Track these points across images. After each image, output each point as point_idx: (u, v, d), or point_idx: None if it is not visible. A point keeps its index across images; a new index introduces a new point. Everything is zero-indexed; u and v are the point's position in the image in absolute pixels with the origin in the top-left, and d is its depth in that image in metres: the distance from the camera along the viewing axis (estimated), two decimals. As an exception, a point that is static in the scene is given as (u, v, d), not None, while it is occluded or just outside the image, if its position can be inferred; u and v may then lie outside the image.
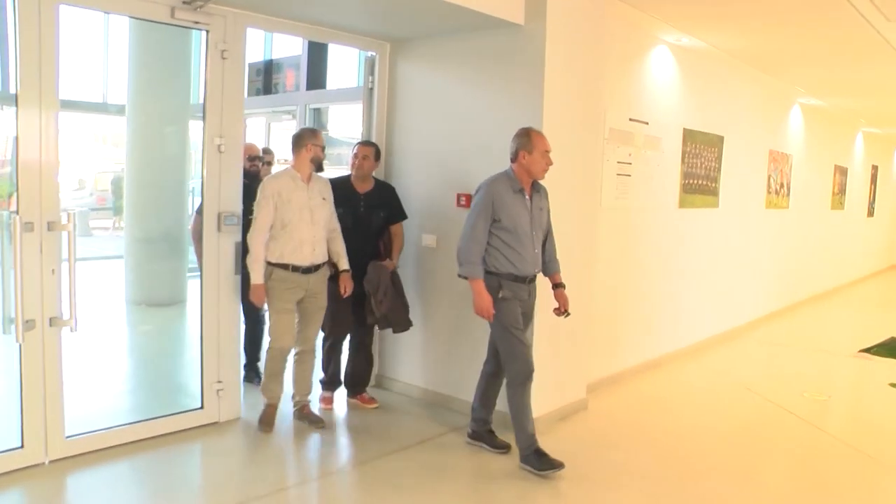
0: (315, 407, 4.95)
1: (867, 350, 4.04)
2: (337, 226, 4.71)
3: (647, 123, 5.96)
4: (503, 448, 4.38)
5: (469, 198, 4.86)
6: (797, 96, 9.46)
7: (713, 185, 7.36)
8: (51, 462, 3.84)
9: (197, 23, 4.27)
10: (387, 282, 4.80)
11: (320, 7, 4.48)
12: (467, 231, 4.13)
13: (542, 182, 4.28)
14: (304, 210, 4.47)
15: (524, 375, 4.14)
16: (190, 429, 4.49)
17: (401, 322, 4.93)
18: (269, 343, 4.64)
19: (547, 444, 4.21)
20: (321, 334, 4.99)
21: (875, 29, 5.53)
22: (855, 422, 5.61)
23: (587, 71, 4.97)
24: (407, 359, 5.42)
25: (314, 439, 4.53)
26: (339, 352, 5.16)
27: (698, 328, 7.36)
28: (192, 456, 4.27)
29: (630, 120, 5.71)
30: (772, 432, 5.12)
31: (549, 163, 4.15)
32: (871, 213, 14.60)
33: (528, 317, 4.29)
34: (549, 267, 4.36)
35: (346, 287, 4.72)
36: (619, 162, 5.61)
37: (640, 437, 4.82)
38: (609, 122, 5.41)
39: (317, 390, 5.04)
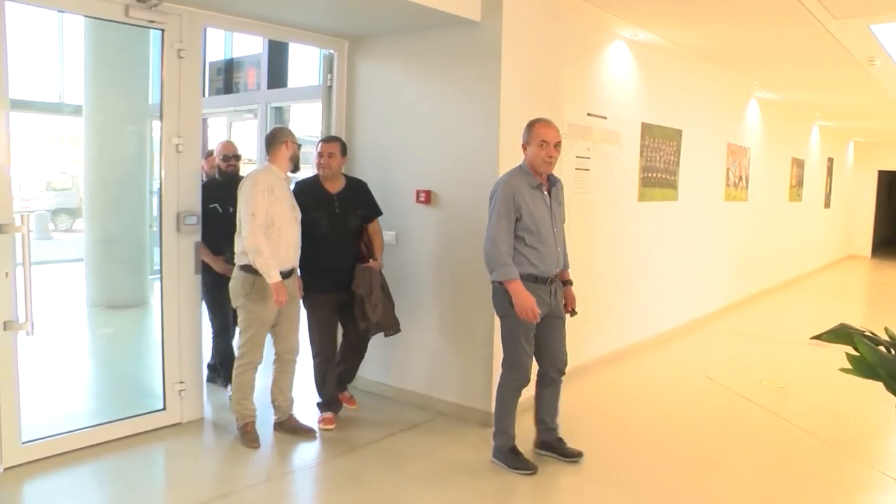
0: (311, 426, 4.64)
1: (818, 337, 4.15)
2: None
3: (605, 118, 6.04)
4: (575, 456, 4.24)
5: (428, 194, 4.92)
6: (754, 90, 9.63)
7: (672, 178, 7.46)
8: (6, 469, 3.79)
9: (152, 22, 4.24)
10: (377, 285, 4.59)
11: (278, 5, 4.47)
12: (492, 233, 3.89)
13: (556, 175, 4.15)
14: (291, 210, 4.31)
15: (519, 383, 4.07)
16: (152, 430, 4.47)
17: (392, 324, 4.74)
18: (241, 356, 4.32)
19: (523, 435, 4.26)
20: (309, 350, 4.75)
21: (823, 26, 5.65)
22: (811, 408, 5.74)
23: (544, 67, 5.02)
24: (369, 356, 5.43)
25: (278, 437, 4.53)
26: (334, 368, 4.78)
27: (660, 319, 7.46)
28: (154, 457, 4.25)
29: (588, 115, 5.78)
30: (732, 420, 5.23)
31: (550, 154, 3.91)
32: (827, 204, 14.90)
33: (555, 318, 4.10)
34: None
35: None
36: (577, 157, 5.66)
37: (608, 428, 4.90)
38: (567, 118, 5.46)
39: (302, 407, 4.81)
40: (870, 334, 3.98)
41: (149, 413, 4.54)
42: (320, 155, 4.61)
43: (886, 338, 3.96)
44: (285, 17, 4.80)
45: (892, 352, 3.85)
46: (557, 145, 3.94)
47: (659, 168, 7.14)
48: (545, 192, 4.00)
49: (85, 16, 4.63)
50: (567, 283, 4.22)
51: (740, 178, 9.55)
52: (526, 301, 3.84)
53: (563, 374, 4.22)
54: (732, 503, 3.84)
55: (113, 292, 7.72)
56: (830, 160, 14.83)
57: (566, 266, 4.19)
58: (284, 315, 4.39)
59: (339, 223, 4.59)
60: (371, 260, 4.67)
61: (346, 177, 4.75)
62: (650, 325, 7.27)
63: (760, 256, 10.68)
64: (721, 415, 5.35)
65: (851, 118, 12.73)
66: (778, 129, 11.06)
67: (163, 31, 4.32)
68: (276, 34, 5.15)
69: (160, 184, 4.51)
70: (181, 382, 4.60)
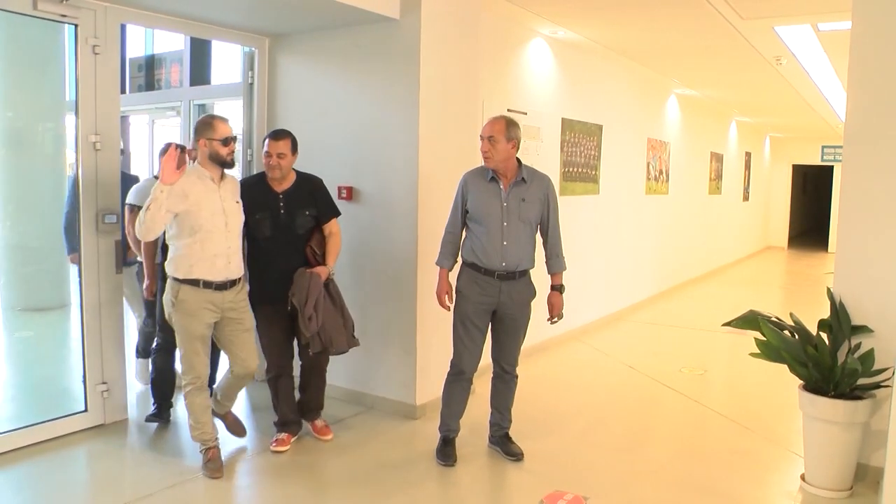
0: (265, 449, 4.35)
1: (728, 323, 4.36)
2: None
3: (525, 114, 6.17)
4: (514, 455, 4.24)
5: (350, 190, 4.98)
6: (673, 87, 9.94)
7: (593, 172, 7.66)
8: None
9: (64, 16, 4.16)
10: (318, 292, 4.07)
11: (197, 2, 4.44)
12: (446, 223, 4.18)
13: (543, 172, 4.18)
14: (219, 215, 3.85)
15: (455, 370, 4.14)
16: (74, 433, 4.39)
17: (339, 341, 4.19)
18: (183, 375, 3.95)
19: (435, 427, 4.33)
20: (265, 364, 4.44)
21: (732, 26, 5.90)
22: (727, 392, 6.00)
23: (463, 63, 5.11)
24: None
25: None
26: (290, 386, 4.43)
27: (582, 312, 7.65)
28: (74, 460, 4.17)
29: (508, 110, 5.89)
30: (651, 406, 5.43)
31: (484, 148, 3.97)
32: (746, 197, 15.45)
33: (507, 318, 4.08)
34: (548, 265, 4.21)
35: None
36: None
37: (527, 416, 5.01)
38: (487, 113, 5.55)
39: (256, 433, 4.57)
40: (776, 320, 4.21)
41: (70, 415, 4.46)
42: (268, 155, 4.12)
43: (791, 323, 4.20)
44: (205, 15, 4.77)
45: (796, 336, 4.09)
46: (491, 139, 3.93)
47: (580, 163, 7.32)
48: (501, 187, 4.00)
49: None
50: (556, 288, 4.20)
51: (661, 172, 9.85)
52: (438, 288, 4.16)
53: (509, 373, 4.23)
54: (647, 485, 4.00)
55: (31, 294, 7.50)
56: (748, 154, 15.38)
57: (556, 268, 4.19)
58: (231, 331, 3.98)
59: (285, 225, 4.15)
60: (319, 266, 4.18)
61: (298, 173, 4.29)
62: (572, 318, 7.41)
63: (682, 249, 11.02)
64: (640, 401, 5.54)
65: (766, 114, 13.25)
66: (697, 124, 11.43)
67: (76, 26, 4.25)
68: (196, 31, 5.10)
69: (78, 182, 4.43)
70: (104, 383, 4.53)
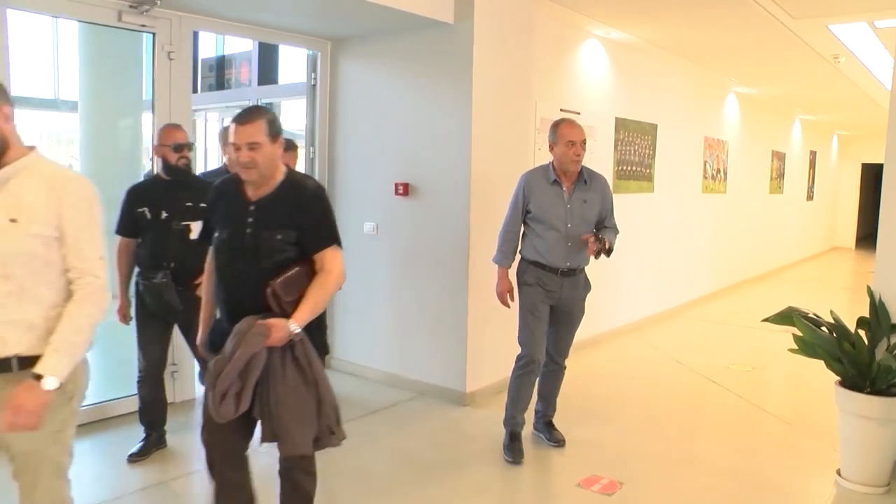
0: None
1: (767, 319, 4.46)
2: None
3: (578, 113, 6.31)
4: (557, 442, 4.42)
5: (406, 186, 5.22)
6: (732, 86, 9.90)
7: (647, 171, 7.75)
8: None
9: (143, 26, 4.52)
10: (248, 357, 2.59)
11: (263, 9, 4.74)
12: (503, 221, 4.28)
13: (599, 173, 4.34)
14: None
15: (525, 363, 4.20)
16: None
17: (298, 435, 2.68)
18: None
19: (491, 415, 4.53)
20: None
21: (784, 25, 5.94)
22: (771, 389, 6.06)
23: (516, 65, 5.30)
24: (353, 339, 5.74)
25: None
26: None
27: (635, 308, 7.75)
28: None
29: (561, 110, 6.05)
30: (695, 400, 5.53)
31: (577, 153, 4.09)
32: (810, 196, 15.19)
33: (563, 313, 4.24)
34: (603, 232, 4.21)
35: None
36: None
37: (573, 406, 5.19)
38: (540, 113, 5.75)
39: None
40: (813, 316, 4.30)
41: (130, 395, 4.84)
42: (236, 148, 2.68)
43: (831, 320, 4.28)
44: (270, 20, 5.07)
45: (834, 333, 4.17)
46: (583, 143, 4.13)
47: (634, 161, 7.42)
48: (564, 189, 4.13)
49: (80, 21, 4.90)
50: (600, 240, 4.09)
51: (718, 170, 9.84)
52: (500, 287, 4.26)
53: (559, 364, 4.39)
54: (682, 473, 4.14)
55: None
56: (813, 153, 15.11)
57: (607, 235, 4.15)
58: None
59: (247, 250, 2.73)
60: (277, 318, 2.62)
61: (288, 175, 2.84)
62: (625, 314, 7.56)
63: (740, 248, 10.96)
64: (684, 395, 5.65)
65: (831, 112, 13.01)
66: (757, 123, 11.33)
67: (154, 34, 4.60)
68: (263, 36, 5.43)
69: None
70: (174, 364, 4.89)
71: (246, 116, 2.71)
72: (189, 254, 3.78)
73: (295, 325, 2.63)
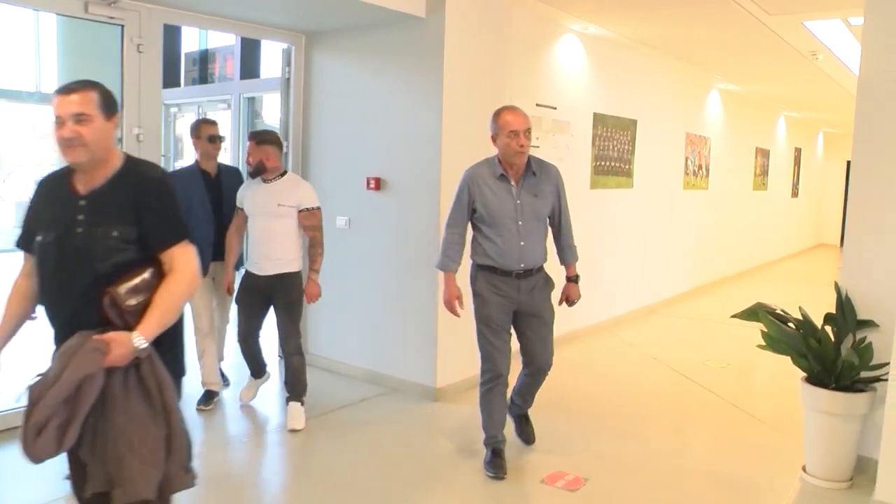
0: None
1: (736, 315, 4.47)
2: None
3: (555, 108, 6.32)
4: (526, 439, 4.32)
5: (378, 181, 5.21)
6: (714, 82, 9.91)
7: (627, 166, 7.75)
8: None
9: (112, 18, 4.49)
10: (91, 389, 2.15)
11: (234, 2, 4.72)
12: (446, 222, 3.92)
13: (549, 162, 3.96)
14: None
15: (488, 377, 3.88)
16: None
17: (138, 475, 2.19)
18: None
19: (461, 411, 4.53)
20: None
21: (761, 21, 5.94)
22: (745, 385, 6.07)
23: (489, 59, 5.29)
24: (326, 334, 5.73)
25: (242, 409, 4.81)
26: None
27: (613, 304, 7.75)
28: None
29: (537, 105, 6.05)
30: (668, 397, 5.53)
31: (521, 143, 3.67)
32: (795, 193, 15.23)
33: (529, 317, 3.91)
34: (561, 256, 4.06)
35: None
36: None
37: (542, 400, 5.18)
38: (515, 109, 5.73)
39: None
40: (781, 312, 4.32)
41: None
42: (59, 123, 2.25)
43: (799, 316, 4.29)
44: (243, 13, 5.04)
45: (801, 330, 4.18)
46: (527, 132, 3.70)
47: (612, 157, 7.42)
48: (512, 184, 3.77)
49: (45, 11, 4.87)
50: (572, 279, 4.07)
51: (700, 167, 9.85)
52: (446, 293, 3.90)
53: (544, 373, 4.08)
54: (649, 469, 4.14)
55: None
56: (798, 150, 15.15)
57: (569, 259, 4.06)
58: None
59: (78, 251, 2.29)
60: (117, 332, 2.19)
61: (128, 161, 2.40)
62: (604, 310, 7.56)
63: (723, 244, 10.98)
64: (658, 391, 5.65)
65: (815, 109, 13.04)
66: (741, 120, 11.35)
67: (122, 26, 4.57)
68: (235, 29, 5.40)
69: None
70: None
71: (72, 85, 2.28)
72: None
73: (141, 339, 2.17)
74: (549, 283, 3.98)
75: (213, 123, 4.97)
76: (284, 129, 5.75)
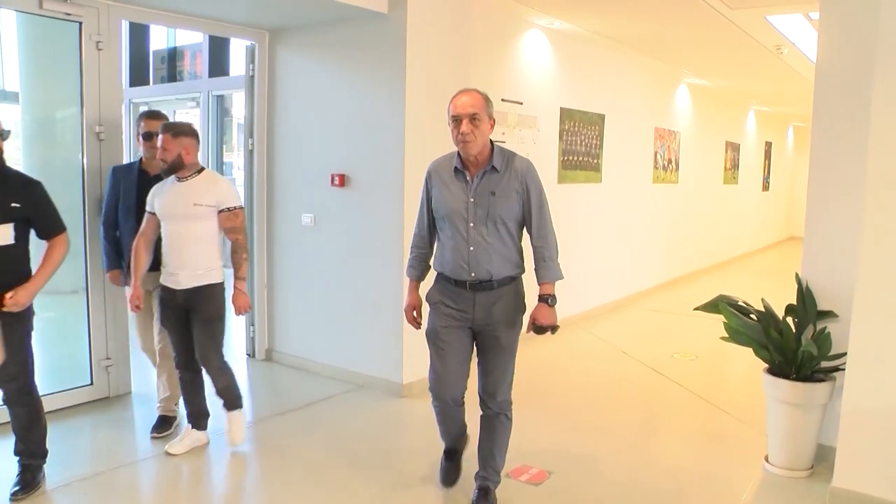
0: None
1: (698, 308, 4.50)
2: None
3: (521, 103, 6.32)
4: None
5: (342, 177, 5.19)
6: (683, 77, 9.98)
7: (595, 161, 7.78)
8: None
9: (68, 14, 4.43)
10: None
11: (192, -2, 4.69)
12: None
13: (523, 157, 3.38)
14: None
15: (432, 397, 3.44)
16: (82, 403, 4.75)
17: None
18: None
19: (427, 407, 4.44)
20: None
21: (723, 16, 5.98)
22: (712, 377, 6.11)
23: (452, 55, 5.28)
24: (294, 332, 5.71)
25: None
26: None
27: (583, 298, 7.79)
28: (78, 428, 4.46)
29: (502, 100, 6.06)
30: (635, 390, 5.56)
31: (462, 131, 3.11)
32: (766, 187, 15.38)
33: (483, 338, 3.33)
34: (536, 273, 3.36)
35: None
36: (491, 140, 5.92)
37: (514, 399, 5.19)
38: (480, 105, 5.73)
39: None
40: (743, 304, 4.35)
41: (77, 388, 4.78)
42: None
43: (762, 308, 4.33)
44: (204, 11, 4.99)
45: (761, 322, 4.22)
46: (473, 118, 3.12)
47: (580, 151, 7.45)
48: (468, 179, 3.23)
49: None
50: (543, 298, 3.32)
51: (669, 161, 9.92)
52: (405, 303, 3.53)
53: (493, 410, 3.41)
54: (613, 462, 4.17)
55: (54, 278, 7.89)
56: (768, 144, 15.30)
57: (546, 277, 3.34)
58: None
59: None
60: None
61: None
62: (573, 304, 7.58)
63: (694, 238, 11.07)
64: (625, 385, 5.68)
65: (784, 104, 13.17)
66: (710, 114, 11.44)
67: (80, 23, 4.51)
68: (196, 26, 5.35)
69: (82, 171, 4.72)
70: (108, 358, 4.84)
71: None
72: None
73: None
74: (515, 302, 3.34)
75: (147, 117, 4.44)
76: (249, 127, 5.71)
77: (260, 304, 5.80)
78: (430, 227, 3.43)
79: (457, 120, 3.14)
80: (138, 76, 11.64)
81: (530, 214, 3.30)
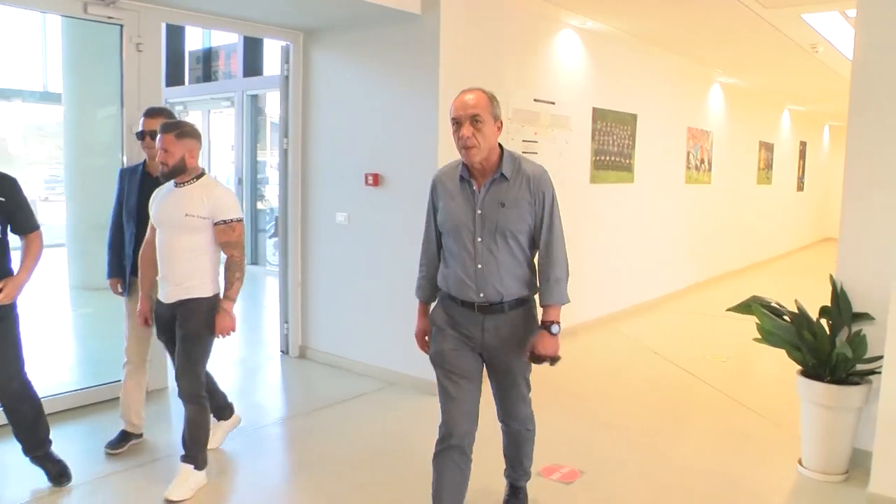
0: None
1: (731, 309, 4.48)
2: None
3: (553, 103, 6.33)
4: None
5: (376, 177, 5.25)
6: (716, 76, 9.90)
7: (627, 161, 7.76)
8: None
9: (111, 18, 4.54)
10: None
11: (231, 0, 4.75)
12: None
13: (536, 163, 3.04)
14: None
15: (441, 435, 2.96)
16: (117, 398, 4.80)
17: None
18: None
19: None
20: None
21: (758, 15, 5.94)
22: (745, 379, 6.07)
23: (486, 55, 5.32)
24: (327, 330, 5.78)
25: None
26: None
27: (615, 299, 7.77)
28: (118, 420, 4.54)
29: (535, 100, 6.07)
30: (667, 391, 5.54)
31: (462, 135, 2.79)
32: (800, 187, 15.19)
33: (494, 363, 3.03)
34: (539, 293, 3.02)
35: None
36: (524, 140, 5.96)
37: (539, 394, 5.20)
38: (513, 104, 5.76)
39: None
40: (776, 306, 4.33)
41: (115, 382, 4.87)
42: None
43: (795, 309, 4.30)
44: (241, 12, 5.08)
45: (795, 324, 4.19)
46: (473, 120, 2.79)
47: (613, 152, 7.43)
48: (475, 189, 2.91)
49: (44, 12, 4.92)
50: (545, 325, 2.97)
51: (702, 161, 9.84)
52: (416, 327, 3.19)
53: (510, 426, 3.26)
54: (646, 463, 4.17)
55: (93, 275, 8.06)
56: (803, 143, 15.10)
57: (550, 300, 2.98)
58: None
59: None
60: None
61: None
62: (605, 304, 7.58)
63: (727, 238, 10.98)
64: (657, 386, 5.67)
65: (819, 102, 12.99)
66: (744, 114, 11.33)
67: (121, 26, 4.62)
68: (233, 27, 5.44)
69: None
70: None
71: None
72: None
73: None
74: (528, 324, 3.03)
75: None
76: (284, 126, 5.79)
77: (294, 302, 5.89)
78: (438, 242, 3.09)
79: (457, 122, 2.82)
80: (174, 76, 11.82)
81: (541, 227, 2.95)
